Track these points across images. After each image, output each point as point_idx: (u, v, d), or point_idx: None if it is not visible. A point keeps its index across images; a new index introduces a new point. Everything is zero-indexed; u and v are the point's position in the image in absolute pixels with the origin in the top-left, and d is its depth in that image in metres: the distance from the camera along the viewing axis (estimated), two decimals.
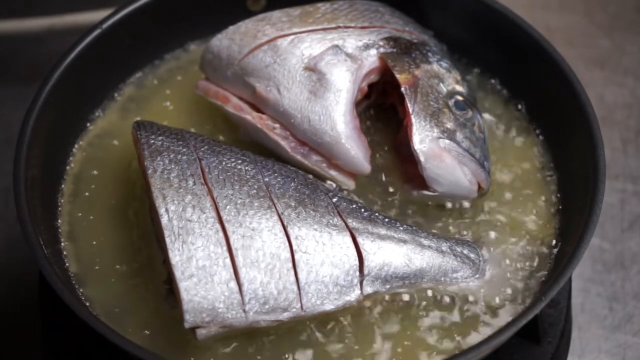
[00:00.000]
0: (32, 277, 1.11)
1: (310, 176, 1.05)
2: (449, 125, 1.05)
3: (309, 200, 1.00)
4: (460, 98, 1.08)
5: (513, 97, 1.16)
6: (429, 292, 1.01)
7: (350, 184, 1.07)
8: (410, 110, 1.05)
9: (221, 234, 0.94)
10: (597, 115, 1.05)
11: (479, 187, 1.05)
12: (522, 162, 1.12)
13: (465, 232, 1.06)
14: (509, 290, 1.02)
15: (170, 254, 0.93)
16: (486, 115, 1.14)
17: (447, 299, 1.01)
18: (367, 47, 1.08)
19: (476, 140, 1.06)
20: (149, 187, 0.97)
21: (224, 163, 1.00)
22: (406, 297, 1.01)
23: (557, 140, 1.11)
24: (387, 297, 1.01)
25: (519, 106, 1.16)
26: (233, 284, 0.93)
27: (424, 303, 1.01)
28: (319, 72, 1.05)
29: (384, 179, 1.09)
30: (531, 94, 1.14)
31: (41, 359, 1.09)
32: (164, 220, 0.94)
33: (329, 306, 0.96)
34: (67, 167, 1.11)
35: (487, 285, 1.02)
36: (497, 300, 1.02)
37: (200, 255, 0.93)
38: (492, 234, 1.06)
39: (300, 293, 0.95)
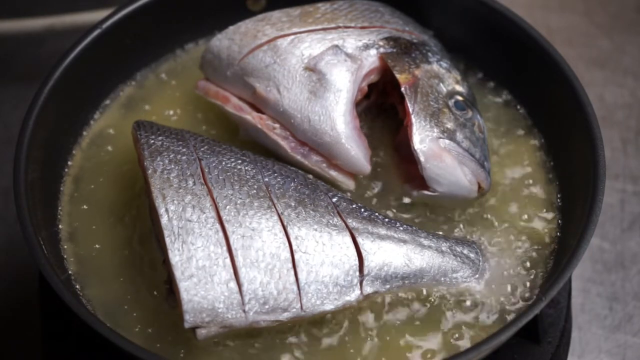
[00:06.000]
0: (32, 277, 1.11)
1: (310, 176, 1.05)
2: (449, 125, 1.05)
3: (308, 200, 1.00)
4: (460, 98, 1.08)
5: (513, 96, 1.16)
6: (429, 292, 1.01)
7: (350, 184, 1.07)
8: (410, 110, 1.05)
9: (221, 234, 0.94)
10: (597, 115, 1.05)
11: (479, 187, 1.05)
12: (521, 162, 1.12)
13: (465, 232, 1.06)
14: (508, 290, 1.02)
15: (170, 254, 0.93)
16: (485, 115, 1.14)
17: (447, 299, 1.01)
18: (367, 47, 1.08)
19: (476, 140, 1.06)
20: (149, 187, 0.97)
21: (223, 163, 1.00)
22: (406, 298, 1.01)
23: (557, 140, 1.11)
24: (386, 297, 1.01)
25: (519, 106, 1.16)
26: (233, 284, 0.93)
27: (423, 303, 1.01)
28: (319, 72, 1.05)
29: (384, 179, 1.09)
30: (531, 93, 1.14)
31: (41, 359, 1.09)
32: (164, 220, 0.94)
33: (328, 306, 0.96)
34: (67, 167, 1.11)
35: (487, 285, 1.02)
36: (497, 300, 1.02)
37: (200, 255, 0.93)
38: (492, 234, 1.06)
39: (300, 293, 0.95)
